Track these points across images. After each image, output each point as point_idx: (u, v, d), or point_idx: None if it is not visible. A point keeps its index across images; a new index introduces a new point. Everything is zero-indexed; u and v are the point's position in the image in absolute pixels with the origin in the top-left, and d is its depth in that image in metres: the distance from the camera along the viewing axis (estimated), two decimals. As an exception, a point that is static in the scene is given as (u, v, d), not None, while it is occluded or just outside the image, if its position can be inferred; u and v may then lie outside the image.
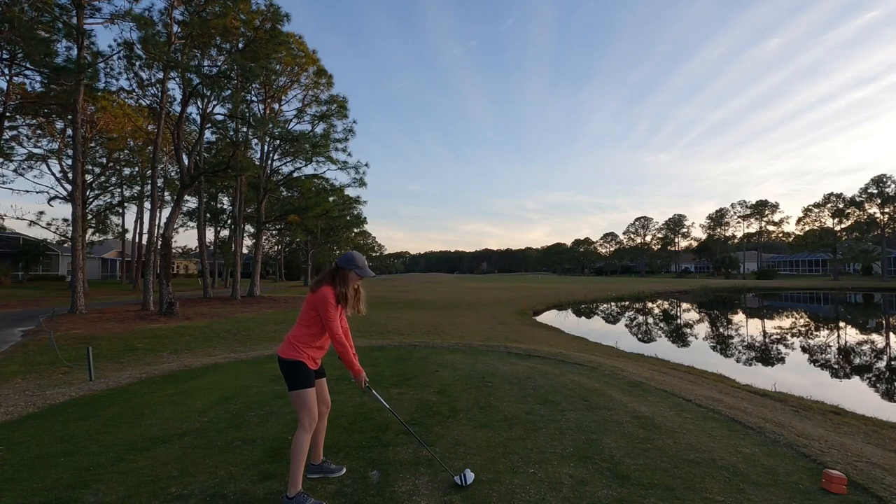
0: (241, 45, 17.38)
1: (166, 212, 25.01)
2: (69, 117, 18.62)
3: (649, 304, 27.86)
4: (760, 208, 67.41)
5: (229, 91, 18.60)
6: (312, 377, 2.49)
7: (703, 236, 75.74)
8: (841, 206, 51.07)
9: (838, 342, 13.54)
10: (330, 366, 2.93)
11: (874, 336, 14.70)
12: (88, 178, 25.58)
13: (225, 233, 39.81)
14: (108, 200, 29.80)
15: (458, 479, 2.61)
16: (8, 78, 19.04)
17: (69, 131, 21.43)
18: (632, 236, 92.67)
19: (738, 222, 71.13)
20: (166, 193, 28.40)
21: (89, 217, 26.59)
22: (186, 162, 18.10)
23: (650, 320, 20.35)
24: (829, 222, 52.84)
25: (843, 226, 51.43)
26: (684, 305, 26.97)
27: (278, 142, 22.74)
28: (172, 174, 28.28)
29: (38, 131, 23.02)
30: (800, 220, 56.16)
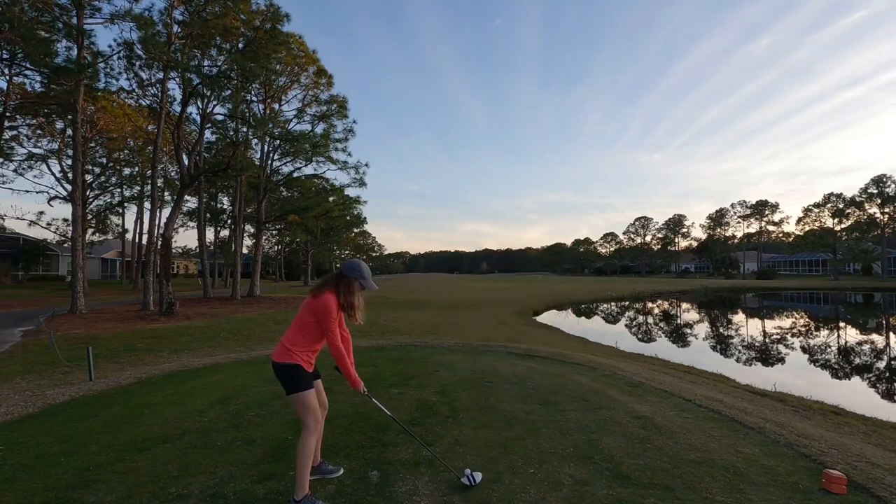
0: (241, 45, 17.38)
1: (166, 212, 24.99)
2: (69, 117, 18.59)
3: (649, 305, 27.85)
4: (760, 208, 67.45)
5: (229, 91, 18.58)
6: (310, 379, 2.49)
7: (703, 236, 75.78)
8: (841, 206, 51.04)
9: (838, 342, 13.53)
10: (325, 366, 2.92)
11: (874, 336, 14.70)
12: (88, 178, 25.56)
13: (225, 233, 39.83)
14: (108, 200, 29.78)
15: (466, 479, 2.60)
16: (8, 78, 19.04)
17: (69, 131, 21.39)
18: (632, 236, 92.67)
19: (738, 222, 71.18)
20: (166, 193, 28.39)
21: (89, 217, 26.58)
22: (186, 162, 18.12)
23: (650, 320, 20.35)
24: (829, 222, 52.82)
25: (843, 226, 51.44)
26: (684, 305, 26.96)
27: (278, 142, 22.72)
28: (172, 174, 28.29)
29: (38, 131, 23.00)
30: (800, 220, 56.21)
